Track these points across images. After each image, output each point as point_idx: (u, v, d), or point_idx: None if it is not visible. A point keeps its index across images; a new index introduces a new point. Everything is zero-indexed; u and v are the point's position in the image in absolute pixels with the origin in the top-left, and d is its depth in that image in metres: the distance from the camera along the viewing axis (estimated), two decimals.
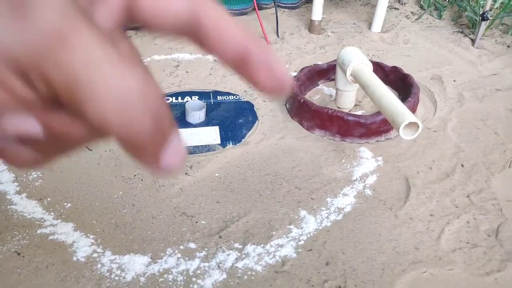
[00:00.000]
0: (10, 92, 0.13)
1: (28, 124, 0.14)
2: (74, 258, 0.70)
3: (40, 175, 0.88)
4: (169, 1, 0.16)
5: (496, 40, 1.47)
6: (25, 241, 0.73)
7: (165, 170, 0.18)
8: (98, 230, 0.76)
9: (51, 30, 0.12)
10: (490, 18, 1.38)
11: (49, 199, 0.82)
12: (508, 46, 1.43)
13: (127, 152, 0.16)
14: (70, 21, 0.12)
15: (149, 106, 0.15)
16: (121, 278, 0.67)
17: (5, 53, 0.12)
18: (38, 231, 0.75)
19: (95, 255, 0.71)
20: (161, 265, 0.69)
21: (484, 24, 1.38)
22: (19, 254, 0.71)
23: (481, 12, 1.37)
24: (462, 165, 0.92)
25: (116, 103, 0.14)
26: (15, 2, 0.12)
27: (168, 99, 1.15)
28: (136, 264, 0.69)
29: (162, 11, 0.17)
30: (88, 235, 0.75)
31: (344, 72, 1.00)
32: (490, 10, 1.39)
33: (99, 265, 0.69)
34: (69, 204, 0.81)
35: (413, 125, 0.79)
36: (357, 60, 0.97)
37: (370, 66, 0.98)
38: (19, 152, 0.16)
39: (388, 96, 0.84)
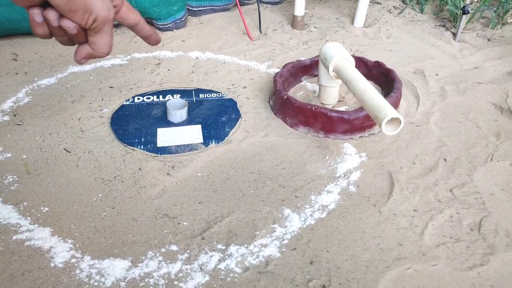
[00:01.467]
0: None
1: (71, 24, 0.47)
2: (52, 264, 0.68)
3: (16, 179, 0.85)
4: (129, 17, 0.55)
5: (477, 34, 1.48)
6: (0, 248, 0.70)
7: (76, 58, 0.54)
8: (76, 234, 0.74)
9: (111, 17, 0.50)
10: (470, 11, 1.39)
11: (25, 203, 0.79)
12: (489, 40, 1.44)
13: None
14: (112, 15, 0.51)
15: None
16: (100, 283, 0.65)
17: (100, 16, 0.47)
18: (14, 237, 0.72)
19: (73, 260, 0.69)
20: (142, 269, 0.68)
21: (465, 18, 1.39)
22: None
23: (461, 6, 1.37)
24: (445, 160, 0.92)
25: (106, 50, 0.54)
26: (111, 7, 0.50)
27: (150, 98, 1.13)
28: (116, 268, 0.68)
29: (128, 21, 0.55)
30: (66, 240, 0.72)
31: (327, 68, 0.99)
32: (471, 3, 1.39)
33: (77, 271, 0.67)
34: (46, 208, 0.78)
35: (395, 120, 0.78)
36: (339, 56, 0.96)
37: (352, 62, 0.98)
38: (63, 37, 0.50)
39: (370, 92, 0.83)
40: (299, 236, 0.74)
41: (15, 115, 1.04)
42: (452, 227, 0.76)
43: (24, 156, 0.91)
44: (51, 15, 0.45)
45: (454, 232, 0.75)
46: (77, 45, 0.53)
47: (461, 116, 1.06)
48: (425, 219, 0.78)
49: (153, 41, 0.59)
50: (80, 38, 0.49)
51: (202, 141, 0.97)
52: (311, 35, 1.49)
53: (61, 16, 0.46)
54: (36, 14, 0.45)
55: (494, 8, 1.52)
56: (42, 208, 0.79)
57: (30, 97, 1.12)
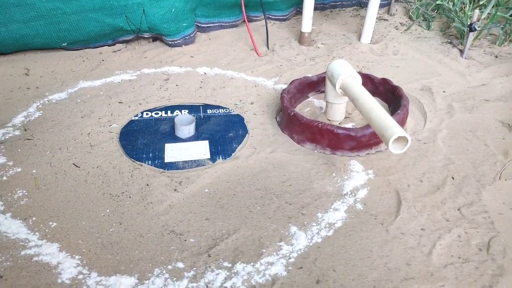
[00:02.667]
0: None
1: None
2: (59, 281, 0.68)
3: (26, 193, 0.86)
4: None
5: (484, 51, 1.48)
6: (8, 263, 0.71)
7: None
8: (84, 250, 0.74)
9: None
10: (477, 28, 1.40)
11: (34, 218, 0.80)
12: (496, 56, 1.44)
13: None
14: None
15: None
16: None
17: None
18: (22, 253, 0.73)
19: (80, 276, 0.69)
20: (148, 286, 0.68)
21: (472, 35, 1.39)
22: (1, 277, 0.69)
23: (469, 23, 1.38)
24: (453, 178, 0.91)
25: None
26: None
27: (158, 113, 1.14)
28: (123, 285, 0.68)
29: None
30: (74, 255, 0.73)
31: (334, 85, 1.00)
32: (478, 20, 1.40)
33: (84, 287, 0.67)
34: (54, 224, 0.79)
35: (402, 139, 0.78)
36: (346, 73, 0.97)
37: (359, 79, 0.98)
38: None
39: (377, 110, 0.84)
40: (306, 255, 0.74)
41: (26, 130, 1.06)
42: (460, 247, 0.76)
43: (34, 171, 0.92)
44: None
45: (462, 252, 0.75)
46: None
47: (469, 133, 1.06)
48: (433, 238, 0.77)
49: None
50: None
51: (209, 157, 0.98)
52: (318, 51, 1.50)
53: None
54: None
55: (502, 26, 1.53)
56: (51, 223, 0.79)
57: (41, 111, 1.14)
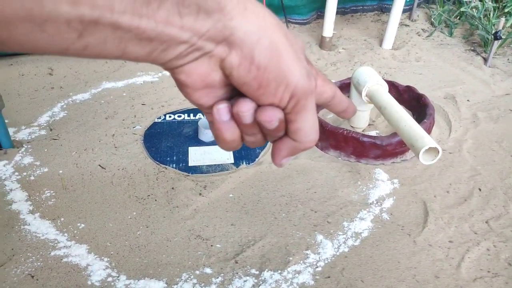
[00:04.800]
0: (278, 101, 0.29)
1: (273, 116, 0.30)
2: (89, 282, 0.69)
3: (53, 193, 0.87)
4: (326, 90, 0.34)
5: (508, 59, 1.46)
6: (38, 263, 0.72)
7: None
8: (112, 252, 0.75)
9: (313, 87, 0.30)
10: (503, 37, 1.38)
11: (62, 219, 0.81)
12: None
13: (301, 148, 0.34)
14: (314, 84, 0.30)
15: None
16: None
17: (299, 87, 0.29)
18: (52, 253, 0.74)
19: (109, 279, 0.70)
20: None
21: (496, 43, 1.37)
22: (33, 277, 0.70)
23: (493, 31, 1.37)
24: (480, 189, 0.90)
25: (313, 135, 0.32)
26: (312, 73, 0.30)
27: (181, 116, 1.15)
28: None
29: (324, 96, 0.35)
30: (102, 258, 0.74)
31: (359, 92, 0.99)
32: (503, 28, 1.38)
33: None
34: (82, 225, 0.80)
35: (432, 150, 0.78)
36: (372, 81, 0.96)
37: (385, 87, 0.98)
38: (255, 136, 0.33)
39: (406, 119, 0.83)
40: (333, 264, 0.74)
41: (51, 130, 1.07)
42: (489, 260, 0.75)
43: (61, 171, 0.93)
44: (245, 106, 0.30)
45: (491, 266, 0.74)
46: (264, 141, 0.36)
47: (495, 144, 1.05)
48: (461, 251, 0.76)
49: (350, 113, 0.40)
50: (279, 131, 0.33)
51: (233, 162, 0.98)
52: (339, 56, 1.50)
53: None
54: (222, 110, 0.31)
55: None
56: (79, 224, 0.80)
57: (66, 111, 1.15)
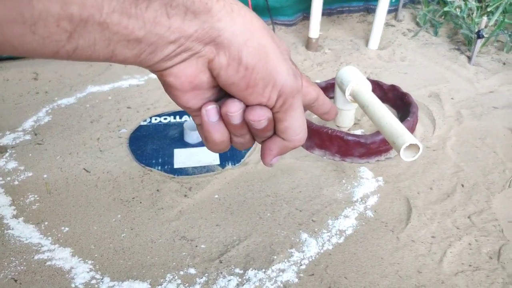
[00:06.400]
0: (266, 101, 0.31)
1: (263, 115, 0.31)
2: (73, 285, 0.69)
3: (38, 198, 0.87)
4: (309, 91, 0.37)
5: (492, 57, 1.48)
6: (22, 267, 0.72)
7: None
8: (96, 255, 0.74)
9: (300, 86, 0.31)
10: (485, 35, 1.40)
11: (46, 223, 0.81)
12: (504, 63, 1.44)
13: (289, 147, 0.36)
14: (300, 83, 0.31)
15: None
16: None
17: (286, 86, 0.30)
18: (36, 257, 0.74)
19: (93, 281, 0.70)
20: None
21: (479, 42, 1.39)
22: (16, 281, 0.69)
23: (476, 30, 1.38)
24: (462, 185, 0.92)
25: (302, 134, 0.34)
26: (298, 73, 0.31)
27: (166, 119, 1.15)
28: None
29: (308, 97, 0.37)
30: (86, 260, 0.73)
31: (343, 92, 1.00)
32: (485, 27, 1.40)
33: None
34: (66, 228, 0.80)
35: (413, 146, 0.79)
36: (356, 80, 0.97)
37: (369, 86, 0.98)
38: (244, 137, 0.34)
39: (387, 117, 0.84)
40: (317, 262, 0.74)
41: (36, 134, 1.07)
42: (471, 254, 0.76)
43: (45, 176, 0.93)
44: (234, 107, 0.30)
45: (473, 260, 0.75)
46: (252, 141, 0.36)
47: (478, 141, 1.06)
48: (444, 246, 0.77)
49: (332, 115, 0.41)
50: (268, 130, 0.33)
51: (218, 163, 0.98)
52: (325, 57, 1.51)
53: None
54: (210, 111, 0.31)
55: (509, 33, 1.53)
56: (63, 228, 0.80)
57: (51, 116, 1.15)
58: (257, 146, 1.04)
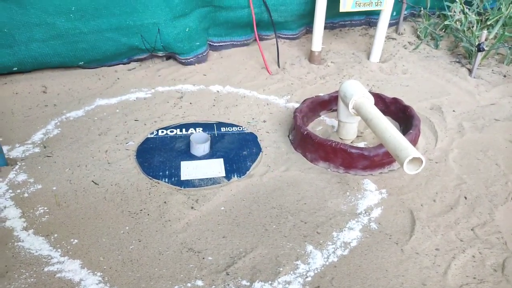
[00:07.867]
0: None
1: None
2: None
3: (47, 210, 0.88)
4: None
5: (492, 70, 1.50)
6: (32, 280, 0.73)
7: None
8: (105, 267, 0.76)
9: None
10: (486, 48, 1.42)
11: (56, 235, 0.82)
12: (504, 76, 1.46)
13: None
14: None
15: None
16: None
17: None
18: (45, 269, 0.75)
19: None
20: None
21: (480, 55, 1.41)
22: None
23: (476, 43, 1.41)
24: (465, 197, 0.93)
25: None
26: None
27: (173, 131, 1.17)
28: None
29: None
30: (96, 272, 0.75)
31: (346, 105, 1.02)
32: (486, 40, 1.42)
33: None
34: (76, 240, 0.81)
35: (416, 160, 0.80)
36: (358, 94, 0.99)
37: (371, 100, 1.00)
38: None
39: (390, 131, 0.86)
40: (323, 274, 0.75)
41: (45, 147, 1.09)
42: (475, 267, 0.77)
43: (54, 188, 0.94)
44: None
45: (477, 272, 0.76)
46: None
47: (480, 153, 1.07)
48: (448, 258, 0.78)
49: None
50: None
51: (224, 175, 1.00)
52: (328, 70, 1.53)
53: None
54: None
55: (509, 45, 1.55)
56: (72, 240, 0.81)
57: (59, 129, 1.17)
58: (261, 159, 1.06)
